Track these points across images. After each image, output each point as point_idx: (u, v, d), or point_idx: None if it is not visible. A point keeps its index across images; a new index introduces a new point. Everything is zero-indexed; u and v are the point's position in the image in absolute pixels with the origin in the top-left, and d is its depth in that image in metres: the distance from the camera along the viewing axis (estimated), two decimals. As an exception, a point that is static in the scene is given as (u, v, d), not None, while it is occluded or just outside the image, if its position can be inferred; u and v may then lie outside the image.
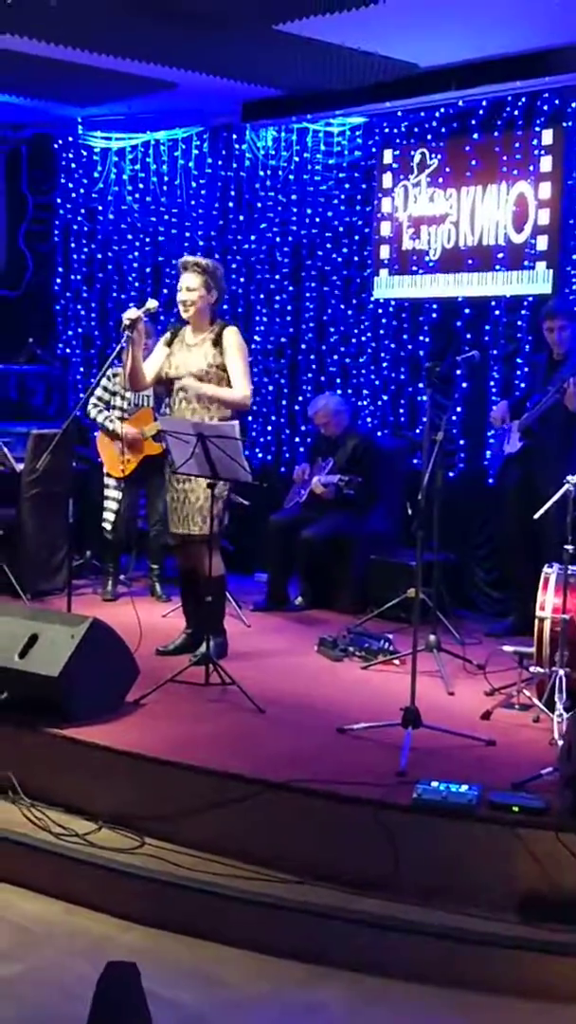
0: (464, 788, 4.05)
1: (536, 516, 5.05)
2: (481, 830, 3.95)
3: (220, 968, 3.85)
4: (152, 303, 5.82)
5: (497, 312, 7.43)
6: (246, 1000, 3.69)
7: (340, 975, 3.79)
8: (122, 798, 4.52)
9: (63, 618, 5.19)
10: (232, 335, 5.79)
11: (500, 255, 7.38)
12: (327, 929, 3.88)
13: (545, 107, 7.12)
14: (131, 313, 5.61)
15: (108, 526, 7.41)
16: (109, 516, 7.42)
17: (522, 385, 7.11)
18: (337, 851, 4.09)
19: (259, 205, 8.56)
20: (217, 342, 5.76)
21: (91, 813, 4.51)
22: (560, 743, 4.47)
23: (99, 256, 9.32)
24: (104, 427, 7.35)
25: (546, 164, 7.13)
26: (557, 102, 7.07)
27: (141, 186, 9.09)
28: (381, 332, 8.05)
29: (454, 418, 7.54)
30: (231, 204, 8.71)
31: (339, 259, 8.23)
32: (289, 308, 8.50)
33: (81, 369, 9.42)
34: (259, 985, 3.77)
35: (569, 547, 4.91)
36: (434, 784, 4.08)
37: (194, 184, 8.85)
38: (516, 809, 3.96)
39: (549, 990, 3.64)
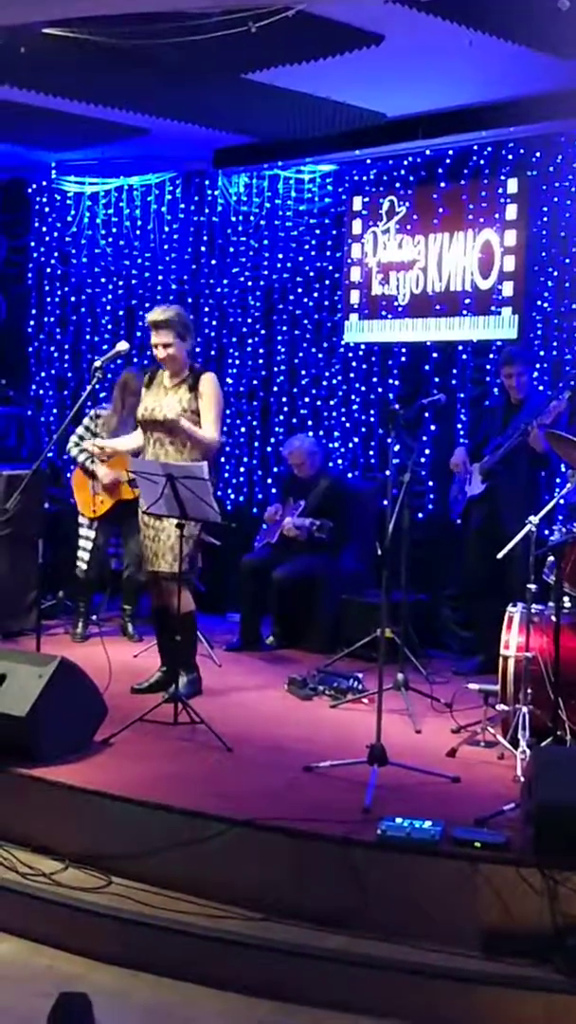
0: (427, 824, 4.09)
1: (500, 556, 5.12)
2: (444, 866, 3.98)
3: (186, 1006, 3.86)
4: (123, 346, 5.92)
5: (464, 356, 7.56)
6: (210, 1038, 3.71)
7: (305, 1011, 3.80)
8: (89, 838, 4.52)
9: (31, 658, 5.20)
10: (209, 382, 5.87)
11: (467, 300, 7.51)
12: (292, 966, 3.89)
13: (510, 156, 7.28)
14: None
15: (83, 565, 7.46)
16: (84, 555, 7.47)
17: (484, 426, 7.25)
18: (302, 888, 4.12)
19: (231, 250, 8.69)
20: (194, 387, 5.84)
21: (58, 853, 4.51)
22: (523, 779, 4.52)
23: (72, 299, 9.41)
24: (84, 466, 7.40)
25: (511, 212, 7.29)
26: (522, 151, 7.23)
27: (114, 230, 9.21)
28: (351, 375, 8.16)
29: (423, 460, 7.64)
30: (203, 249, 8.83)
31: (310, 303, 8.35)
32: (261, 351, 8.60)
33: (55, 411, 9.48)
34: (223, 1022, 3.77)
35: (532, 586, 4.99)
36: (398, 820, 4.11)
37: (167, 229, 8.97)
38: (478, 845, 4.00)
39: (511, 1024, 3.68)
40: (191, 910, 4.12)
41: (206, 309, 8.79)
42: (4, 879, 4.38)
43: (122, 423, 7.32)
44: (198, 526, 5.75)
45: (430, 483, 7.70)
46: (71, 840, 4.53)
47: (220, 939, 3.98)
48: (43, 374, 9.52)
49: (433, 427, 7.67)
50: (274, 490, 8.40)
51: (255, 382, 8.64)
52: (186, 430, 5.76)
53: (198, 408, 5.83)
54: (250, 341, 8.64)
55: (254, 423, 8.66)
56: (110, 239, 9.23)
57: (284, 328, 8.48)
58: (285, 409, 8.51)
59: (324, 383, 8.31)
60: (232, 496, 8.70)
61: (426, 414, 7.52)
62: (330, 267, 8.27)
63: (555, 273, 7.13)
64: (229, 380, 8.72)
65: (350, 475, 8.09)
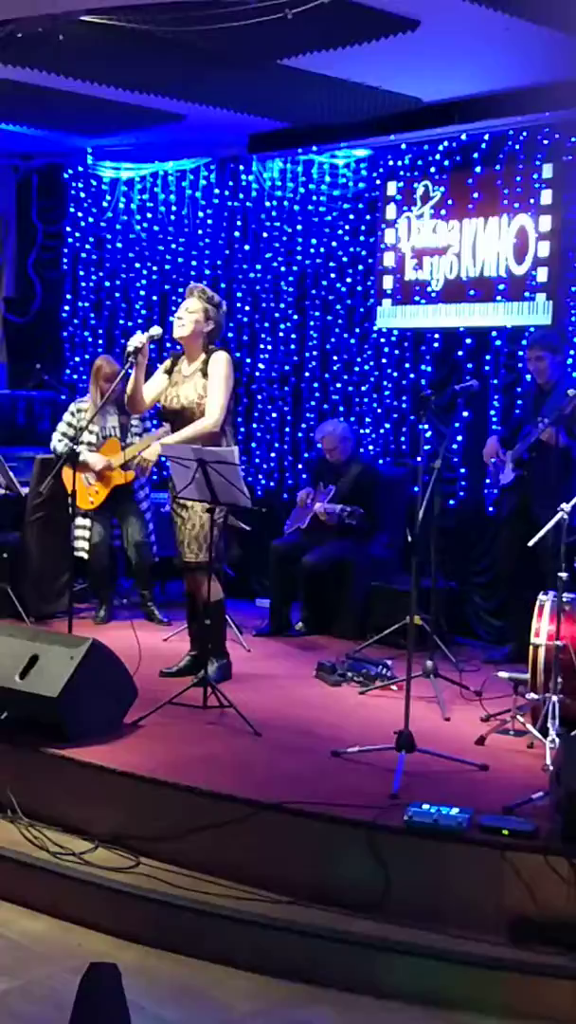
0: (455, 811, 4.09)
1: (531, 543, 5.11)
2: (471, 853, 3.99)
3: (212, 987, 3.89)
4: (156, 330, 5.92)
5: (498, 342, 7.52)
6: (237, 1019, 3.73)
7: (331, 995, 3.82)
8: (119, 818, 4.56)
9: (63, 639, 5.25)
10: (216, 362, 5.79)
11: (501, 286, 7.48)
12: (319, 949, 3.92)
13: (545, 141, 7.23)
14: (137, 340, 5.70)
15: (85, 555, 7.43)
16: (83, 545, 7.43)
17: (517, 413, 7.21)
18: (329, 872, 4.14)
19: (265, 235, 8.68)
20: (206, 372, 5.81)
21: (88, 833, 4.56)
22: (552, 769, 4.52)
23: (107, 284, 9.44)
24: (71, 459, 6.97)
25: (546, 197, 7.24)
26: (557, 136, 7.18)
27: (149, 215, 9.23)
28: (384, 361, 8.14)
29: (455, 447, 7.62)
30: (237, 234, 8.83)
31: (343, 289, 8.34)
32: (293, 337, 8.60)
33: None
34: (251, 1004, 3.81)
35: (563, 574, 4.98)
36: (425, 807, 4.12)
37: (201, 214, 8.97)
38: (506, 832, 4.00)
39: (538, 1012, 3.68)
40: (218, 892, 4.15)
41: (239, 294, 8.80)
42: (35, 858, 4.44)
43: (101, 412, 7.29)
44: (222, 512, 5.73)
45: (462, 470, 7.68)
46: (101, 820, 4.57)
47: (247, 921, 4.01)
48: (77, 359, 9.56)
49: (466, 413, 7.65)
50: (304, 476, 8.42)
51: (287, 367, 8.64)
52: (187, 438, 5.66)
53: None
54: (283, 327, 8.64)
55: (285, 408, 8.67)
56: (145, 224, 9.25)
57: (317, 314, 8.47)
58: (317, 395, 8.50)
59: (356, 369, 8.30)
60: (263, 481, 8.72)
61: (459, 400, 7.51)
62: (363, 252, 8.25)
63: (590, 259, 7.10)
64: (261, 365, 8.73)
65: (381, 461, 8.09)
